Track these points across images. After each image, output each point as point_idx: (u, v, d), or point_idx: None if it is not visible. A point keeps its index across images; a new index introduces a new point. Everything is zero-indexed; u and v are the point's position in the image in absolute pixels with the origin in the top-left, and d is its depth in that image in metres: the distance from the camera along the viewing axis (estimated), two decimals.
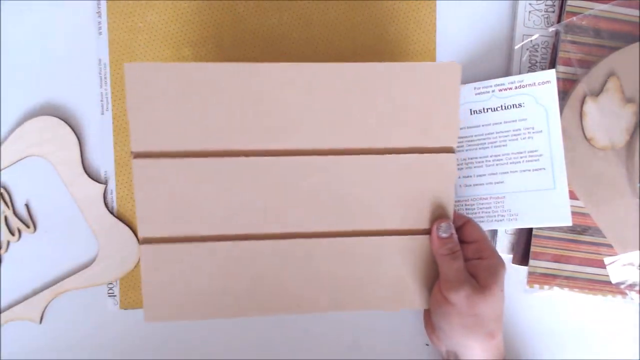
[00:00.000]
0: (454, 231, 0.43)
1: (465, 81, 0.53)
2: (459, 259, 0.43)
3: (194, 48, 0.52)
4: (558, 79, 0.50)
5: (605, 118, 0.51)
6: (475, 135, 0.52)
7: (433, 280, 0.45)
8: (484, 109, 0.51)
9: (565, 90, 0.51)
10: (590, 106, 0.51)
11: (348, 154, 0.43)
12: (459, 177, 0.53)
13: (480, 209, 0.52)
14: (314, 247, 0.43)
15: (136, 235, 0.52)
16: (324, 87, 0.42)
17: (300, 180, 0.43)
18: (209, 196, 0.42)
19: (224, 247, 0.43)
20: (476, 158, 0.52)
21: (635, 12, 0.51)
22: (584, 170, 0.51)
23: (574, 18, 0.51)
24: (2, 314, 0.51)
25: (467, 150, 0.52)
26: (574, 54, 0.51)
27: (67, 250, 0.52)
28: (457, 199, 0.53)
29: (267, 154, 0.42)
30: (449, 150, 0.43)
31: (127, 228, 0.51)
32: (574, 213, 0.51)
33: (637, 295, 0.52)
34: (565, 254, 0.52)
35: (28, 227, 0.51)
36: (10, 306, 0.51)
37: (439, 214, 0.44)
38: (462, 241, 0.44)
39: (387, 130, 0.43)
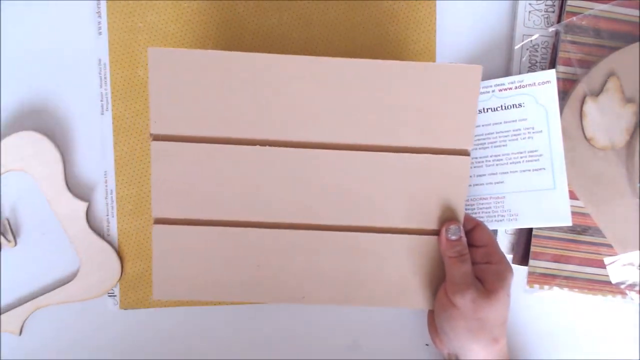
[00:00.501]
0: (463, 234, 0.43)
1: None
2: (467, 262, 0.43)
3: (193, 48, 0.52)
4: (558, 79, 0.50)
5: (605, 118, 0.51)
6: (475, 135, 0.52)
7: (438, 282, 0.45)
8: (484, 109, 0.51)
9: (565, 90, 0.51)
10: (590, 106, 0.51)
11: (361, 150, 0.43)
12: None
13: (480, 209, 0.52)
14: (321, 240, 0.44)
15: (118, 253, 0.52)
16: (343, 82, 0.42)
17: (311, 172, 0.43)
18: (221, 182, 0.43)
19: (233, 233, 0.44)
20: (476, 158, 0.52)
21: (635, 12, 0.51)
22: (584, 170, 0.51)
23: (574, 18, 0.51)
24: None
25: None
26: (574, 54, 0.51)
27: (48, 265, 0.52)
28: None
29: (282, 144, 0.43)
30: (463, 152, 0.43)
31: (109, 246, 0.51)
32: (574, 213, 0.51)
33: (637, 295, 0.52)
34: (565, 254, 0.52)
35: (9, 241, 0.51)
36: None
37: (448, 216, 0.44)
38: (471, 245, 0.44)
39: (402, 129, 0.43)
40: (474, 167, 0.52)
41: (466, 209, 0.52)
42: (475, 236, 0.45)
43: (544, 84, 0.50)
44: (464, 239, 0.43)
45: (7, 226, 0.51)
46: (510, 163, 0.51)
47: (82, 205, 0.50)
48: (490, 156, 0.51)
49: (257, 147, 0.43)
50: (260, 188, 0.43)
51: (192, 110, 0.42)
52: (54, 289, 0.51)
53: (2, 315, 0.51)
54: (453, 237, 0.43)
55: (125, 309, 0.52)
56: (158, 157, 0.43)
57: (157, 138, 0.43)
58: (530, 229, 0.52)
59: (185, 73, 0.42)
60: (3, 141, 0.49)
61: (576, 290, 0.52)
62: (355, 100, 0.42)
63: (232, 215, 0.44)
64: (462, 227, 0.43)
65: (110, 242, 0.52)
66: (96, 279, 0.51)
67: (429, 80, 0.42)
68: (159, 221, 0.44)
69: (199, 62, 0.41)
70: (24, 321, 0.51)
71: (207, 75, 0.42)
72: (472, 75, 0.42)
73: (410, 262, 0.44)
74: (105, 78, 0.52)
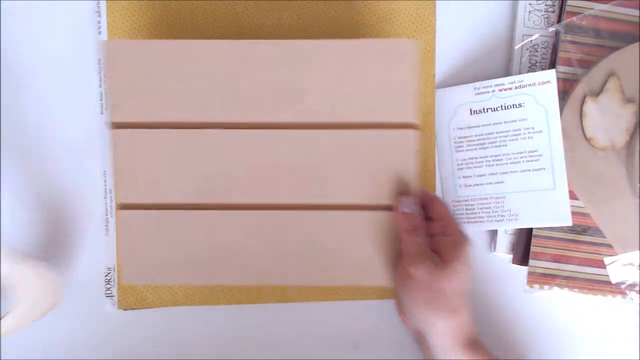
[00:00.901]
0: (417, 207, 0.43)
1: (465, 81, 0.53)
2: (421, 235, 0.43)
3: None
4: (558, 79, 0.50)
5: (605, 118, 0.51)
6: (475, 135, 0.52)
7: (400, 258, 0.45)
8: (484, 109, 0.51)
9: (565, 90, 0.51)
10: (590, 106, 0.51)
11: (313, 128, 0.44)
12: (459, 177, 0.53)
13: (480, 209, 0.52)
14: (283, 220, 0.45)
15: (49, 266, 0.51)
16: (288, 63, 0.43)
17: (269, 152, 0.44)
18: (182, 165, 0.44)
19: (196, 215, 0.44)
20: (476, 158, 0.52)
21: (635, 12, 0.51)
22: (584, 170, 0.51)
23: (574, 18, 0.51)
24: None
25: (467, 150, 0.52)
26: (574, 54, 0.51)
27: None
28: (457, 199, 0.53)
29: (239, 126, 0.44)
30: (410, 126, 0.44)
31: (36, 262, 0.49)
32: (574, 213, 0.51)
33: (637, 295, 0.52)
34: (565, 254, 0.52)
35: None
36: None
37: (402, 190, 0.44)
38: (429, 218, 0.45)
39: (348, 106, 0.44)
40: (474, 167, 0.52)
41: (466, 210, 0.52)
42: (432, 210, 0.45)
43: (544, 84, 0.50)
44: (419, 211, 0.44)
45: None
46: (510, 163, 0.51)
47: None
48: (490, 156, 0.51)
49: (215, 130, 0.44)
50: (220, 170, 0.44)
51: (150, 97, 0.43)
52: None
53: None
54: (406, 210, 0.43)
55: (124, 310, 0.52)
56: (118, 144, 0.44)
57: (117, 126, 0.44)
58: (530, 229, 0.52)
59: (143, 62, 0.43)
60: None
61: (576, 290, 0.52)
62: (301, 80, 0.43)
63: (193, 198, 0.44)
64: (416, 201, 0.43)
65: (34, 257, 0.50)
66: (36, 300, 0.49)
67: (368, 57, 0.43)
68: (124, 207, 0.44)
69: (156, 51, 0.43)
70: None
71: (165, 63, 0.43)
72: (408, 50, 0.43)
73: (371, 239, 0.44)
74: (104, 77, 0.52)
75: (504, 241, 0.53)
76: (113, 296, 0.52)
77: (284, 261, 0.45)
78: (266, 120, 0.44)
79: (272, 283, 0.47)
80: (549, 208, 0.50)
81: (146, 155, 0.44)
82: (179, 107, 0.44)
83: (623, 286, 0.52)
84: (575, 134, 0.51)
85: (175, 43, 0.43)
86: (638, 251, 0.51)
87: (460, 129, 0.52)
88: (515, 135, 0.51)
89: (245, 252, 0.45)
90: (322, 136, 0.44)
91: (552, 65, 0.52)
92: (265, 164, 0.44)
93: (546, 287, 0.52)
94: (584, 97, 0.51)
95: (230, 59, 0.43)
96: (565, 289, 0.52)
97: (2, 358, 0.52)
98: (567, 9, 0.51)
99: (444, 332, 0.44)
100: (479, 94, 0.51)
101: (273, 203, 0.45)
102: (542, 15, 0.52)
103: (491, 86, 0.51)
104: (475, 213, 0.52)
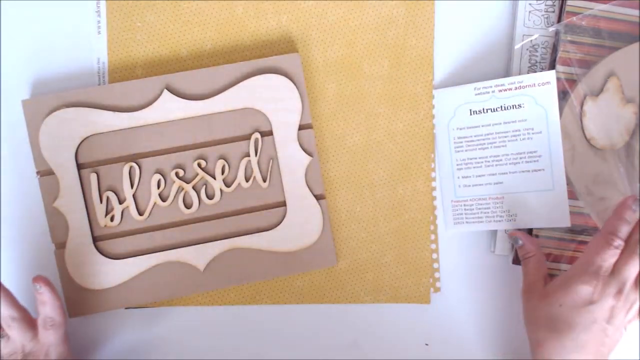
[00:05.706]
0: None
1: (465, 81, 0.52)
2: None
3: (191, 49, 0.52)
4: (558, 79, 0.50)
5: (605, 118, 0.51)
6: (475, 136, 0.52)
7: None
8: (483, 109, 0.51)
9: (565, 90, 0.51)
10: (590, 106, 0.51)
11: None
12: (458, 178, 0.53)
13: (479, 209, 0.52)
14: (224, 226, 0.51)
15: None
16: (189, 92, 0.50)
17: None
18: None
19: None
20: (475, 158, 0.52)
21: (635, 12, 0.50)
22: (584, 170, 0.51)
23: (574, 18, 0.50)
24: None
25: (466, 150, 0.52)
26: (574, 54, 0.51)
27: None
28: (456, 199, 0.53)
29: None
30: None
31: None
32: (573, 213, 0.51)
33: None
34: (565, 254, 0.52)
35: None
36: None
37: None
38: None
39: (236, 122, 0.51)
40: (474, 167, 0.52)
41: (465, 210, 0.52)
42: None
43: (543, 85, 0.49)
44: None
45: None
46: (510, 164, 0.51)
47: None
48: (490, 156, 0.51)
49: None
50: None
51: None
52: None
53: None
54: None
55: (126, 309, 0.52)
56: (46, 190, 0.49)
57: (44, 174, 0.49)
58: (531, 229, 0.52)
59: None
60: None
61: None
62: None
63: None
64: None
65: None
66: None
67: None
68: (60, 246, 0.49)
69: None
70: None
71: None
72: (292, 63, 0.50)
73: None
74: (103, 77, 0.52)
75: (504, 241, 0.53)
76: None
77: (251, 265, 0.51)
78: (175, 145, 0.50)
79: (251, 281, 0.51)
80: (548, 209, 0.50)
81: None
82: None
83: None
84: (575, 134, 0.51)
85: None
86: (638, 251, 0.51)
87: (460, 129, 0.52)
88: (514, 135, 0.51)
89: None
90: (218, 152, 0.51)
91: (552, 65, 0.52)
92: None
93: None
94: (584, 97, 0.51)
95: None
96: None
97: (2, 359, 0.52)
98: (567, 9, 0.51)
99: None
100: (478, 94, 0.51)
101: (207, 215, 0.51)
102: (542, 15, 0.52)
103: (491, 87, 0.51)
104: (474, 213, 0.52)
